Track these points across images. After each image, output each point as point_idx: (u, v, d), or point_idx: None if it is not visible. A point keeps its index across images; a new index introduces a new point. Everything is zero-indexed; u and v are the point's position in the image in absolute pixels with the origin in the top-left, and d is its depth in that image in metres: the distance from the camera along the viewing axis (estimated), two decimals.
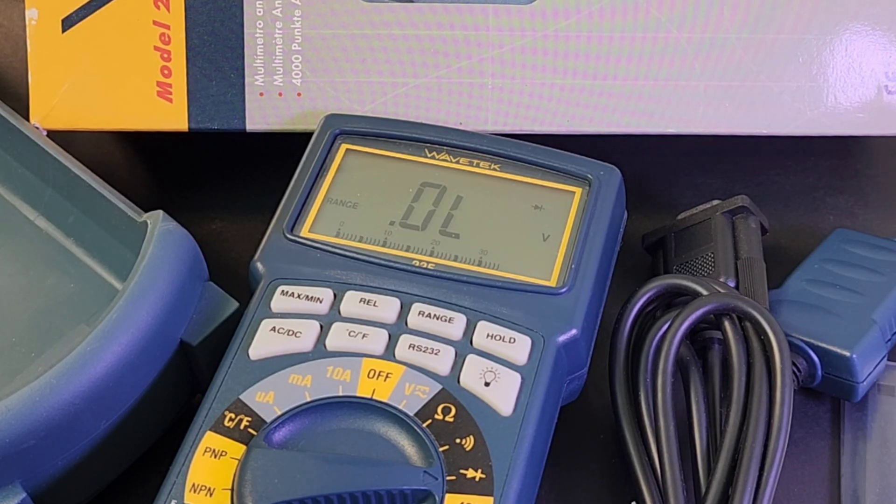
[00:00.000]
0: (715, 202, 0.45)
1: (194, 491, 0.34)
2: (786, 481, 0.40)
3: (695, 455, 0.38)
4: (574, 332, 0.38)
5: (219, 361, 0.37)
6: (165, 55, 0.45)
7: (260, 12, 0.45)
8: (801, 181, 0.50)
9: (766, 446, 0.37)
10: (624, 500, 0.39)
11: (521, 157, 0.43)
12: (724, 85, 0.45)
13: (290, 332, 0.37)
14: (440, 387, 0.36)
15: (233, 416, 0.36)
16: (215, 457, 0.35)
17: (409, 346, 0.37)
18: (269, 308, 0.38)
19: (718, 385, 0.40)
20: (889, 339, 0.42)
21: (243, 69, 0.45)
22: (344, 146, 0.43)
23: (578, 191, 0.42)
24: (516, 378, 0.37)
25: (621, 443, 0.39)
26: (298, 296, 0.38)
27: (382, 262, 0.39)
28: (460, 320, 0.38)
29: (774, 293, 0.43)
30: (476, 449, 0.35)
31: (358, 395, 0.36)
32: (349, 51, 0.45)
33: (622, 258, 0.43)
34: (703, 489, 0.37)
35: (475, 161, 0.43)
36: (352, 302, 0.38)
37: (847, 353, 0.40)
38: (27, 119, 0.45)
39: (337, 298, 0.38)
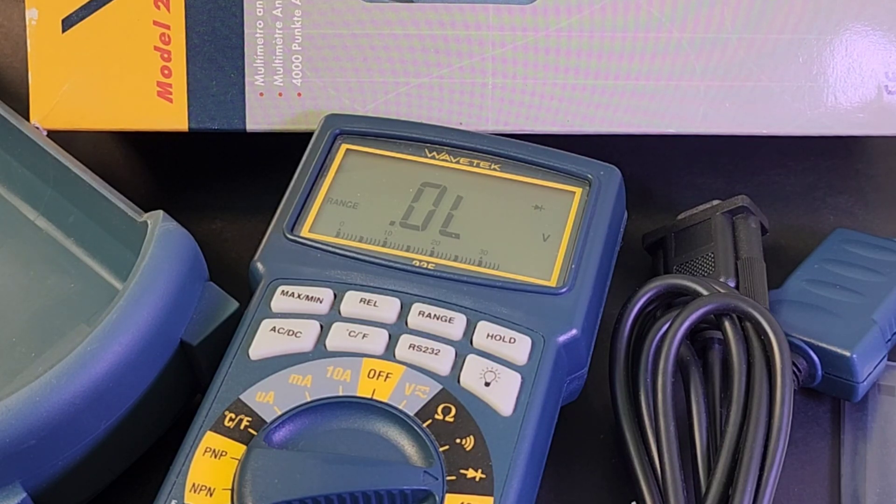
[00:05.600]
0: (715, 202, 0.45)
1: (194, 491, 0.34)
2: (786, 481, 0.40)
3: (695, 455, 0.38)
4: (574, 332, 0.38)
5: (219, 361, 0.37)
6: (165, 55, 0.45)
7: (260, 12, 0.45)
8: (801, 181, 0.50)
9: (766, 446, 0.37)
10: (624, 500, 0.39)
11: (521, 157, 0.43)
12: (724, 85, 0.45)
13: (291, 332, 0.37)
14: (440, 387, 0.36)
15: (233, 416, 0.36)
16: (215, 457, 0.35)
17: (410, 346, 0.37)
18: (270, 308, 0.38)
19: (718, 385, 0.40)
20: (889, 339, 0.42)
21: (243, 69, 0.45)
22: (344, 146, 0.43)
23: (578, 191, 0.42)
24: (516, 378, 0.37)
25: (621, 443, 0.39)
26: (298, 296, 0.38)
27: (382, 262, 0.39)
28: (460, 320, 0.38)
29: (774, 293, 0.43)
30: (476, 449, 0.35)
31: (358, 395, 0.36)
32: (349, 51, 0.45)
33: (622, 258, 0.43)
34: (703, 489, 0.37)
35: (475, 161, 0.43)
36: (352, 302, 0.38)
37: (847, 353, 0.40)
38: (27, 119, 0.45)
39: (337, 298, 0.38)
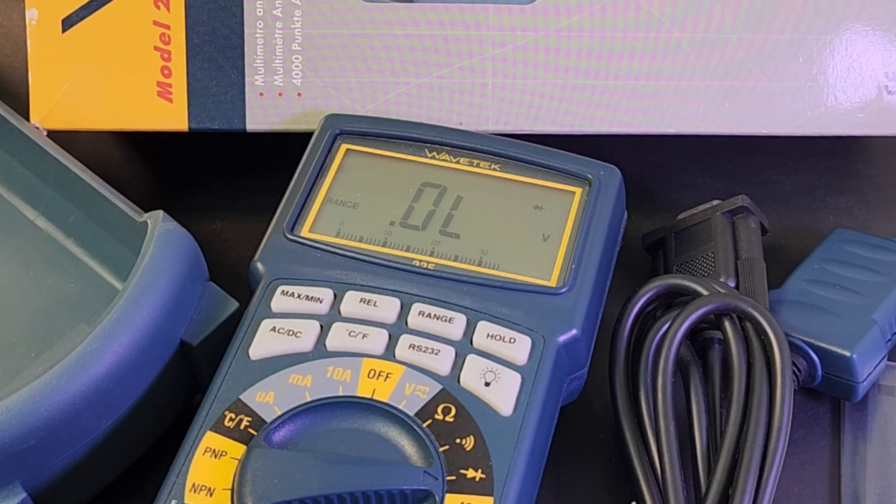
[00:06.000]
0: (715, 202, 0.45)
1: (194, 491, 0.34)
2: (786, 481, 0.40)
3: (695, 455, 0.38)
4: (574, 332, 0.38)
5: (219, 361, 0.37)
6: (165, 55, 0.45)
7: (260, 12, 0.45)
8: (801, 181, 0.50)
9: (766, 446, 0.37)
10: (624, 500, 0.39)
11: (521, 157, 0.43)
12: (724, 85, 0.45)
13: (291, 332, 0.37)
14: (440, 387, 0.36)
15: (233, 416, 0.36)
16: (215, 457, 0.35)
17: (410, 346, 0.37)
18: (270, 308, 0.38)
19: (718, 385, 0.40)
20: (889, 339, 0.42)
21: (243, 69, 0.45)
22: (344, 146, 0.43)
23: (578, 191, 0.42)
24: (516, 378, 0.37)
25: (621, 443, 0.39)
26: (298, 296, 0.38)
27: (382, 262, 0.39)
28: (460, 320, 0.38)
29: (774, 293, 0.43)
30: (476, 449, 0.35)
31: (358, 395, 0.36)
32: (349, 51, 0.45)
33: (622, 258, 0.43)
34: (703, 489, 0.37)
35: (475, 161, 0.43)
36: (352, 302, 0.38)
37: (847, 353, 0.40)
38: (27, 119, 0.45)
39: (337, 298, 0.38)
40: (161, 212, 0.40)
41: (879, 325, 0.41)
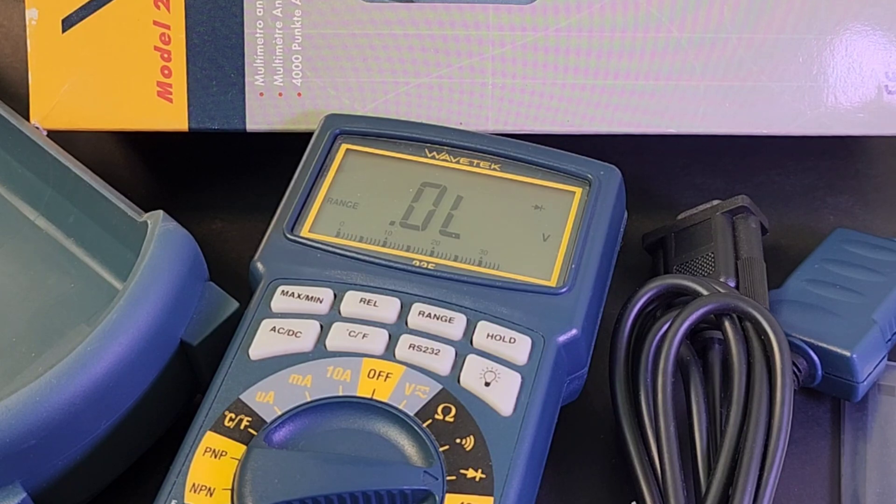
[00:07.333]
0: (715, 202, 0.45)
1: (194, 491, 0.34)
2: (786, 481, 0.40)
3: (695, 455, 0.38)
4: (574, 332, 0.38)
5: (219, 361, 0.37)
6: (165, 55, 0.45)
7: (260, 12, 0.45)
8: (801, 181, 0.50)
9: (766, 446, 0.37)
10: (624, 500, 0.39)
11: (521, 157, 0.43)
12: (724, 84, 0.45)
13: (291, 332, 0.37)
14: (440, 387, 0.36)
15: (233, 416, 0.36)
16: (215, 457, 0.35)
17: (410, 346, 0.37)
18: (270, 308, 0.38)
19: (718, 385, 0.40)
20: (889, 339, 0.42)
21: (243, 69, 0.45)
22: (344, 146, 0.43)
23: (578, 191, 0.42)
24: (516, 378, 0.37)
25: (621, 443, 0.39)
26: (298, 296, 0.38)
27: (382, 262, 0.39)
28: (460, 320, 0.38)
29: (774, 293, 0.43)
30: (476, 449, 0.35)
31: (358, 395, 0.36)
32: (349, 50, 0.45)
33: (622, 258, 0.43)
34: (703, 489, 0.37)
35: (475, 161, 0.43)
36: (352, 302, 0.38)
37: (847, 353, 0.40)
38: (27, 119, 0.45)
39: (337, 298, 0.38)
40: (161, 212, 0.40)
41: (879, 325, 0.41)
